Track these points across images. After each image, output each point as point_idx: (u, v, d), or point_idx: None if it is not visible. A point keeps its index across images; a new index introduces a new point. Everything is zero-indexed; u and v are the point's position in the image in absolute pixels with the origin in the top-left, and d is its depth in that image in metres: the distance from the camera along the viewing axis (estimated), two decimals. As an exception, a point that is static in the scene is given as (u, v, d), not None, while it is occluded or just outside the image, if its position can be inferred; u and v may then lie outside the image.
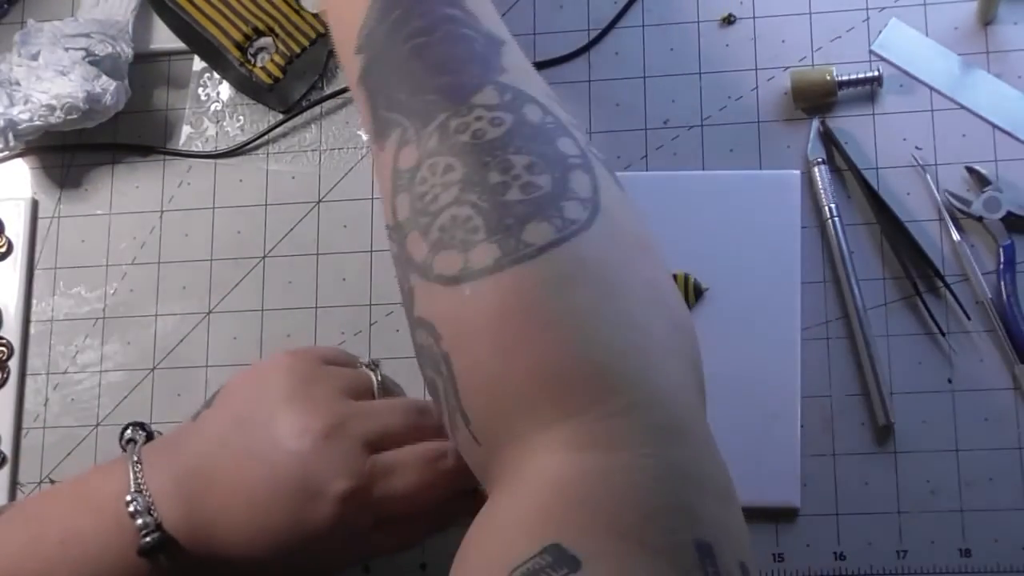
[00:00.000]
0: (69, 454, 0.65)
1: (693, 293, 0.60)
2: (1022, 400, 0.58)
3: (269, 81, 0.66)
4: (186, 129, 0.69)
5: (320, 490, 0.50)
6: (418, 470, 0.52)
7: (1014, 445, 0.58)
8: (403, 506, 0.51)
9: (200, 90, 0.69)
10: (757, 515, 0.58)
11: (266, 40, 0.66)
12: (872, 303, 0.60)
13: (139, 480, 0.51)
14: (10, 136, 0.64)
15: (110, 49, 0.66)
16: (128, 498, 0.50)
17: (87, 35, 0.66)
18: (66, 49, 0.65)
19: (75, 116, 0.64)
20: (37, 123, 0.64)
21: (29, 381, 0.66)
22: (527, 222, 0.39)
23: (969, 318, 0.59)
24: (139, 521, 0.49)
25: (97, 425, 0.65)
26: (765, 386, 0.59)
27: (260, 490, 0.50)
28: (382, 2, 0.45)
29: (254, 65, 0.66)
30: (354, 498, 0.50)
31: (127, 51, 0.67)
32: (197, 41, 0.67)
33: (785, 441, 0.58)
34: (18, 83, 0.65)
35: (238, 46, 0.66)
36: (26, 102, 0.64)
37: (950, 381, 0.59)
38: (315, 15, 0.66)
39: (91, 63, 0.65)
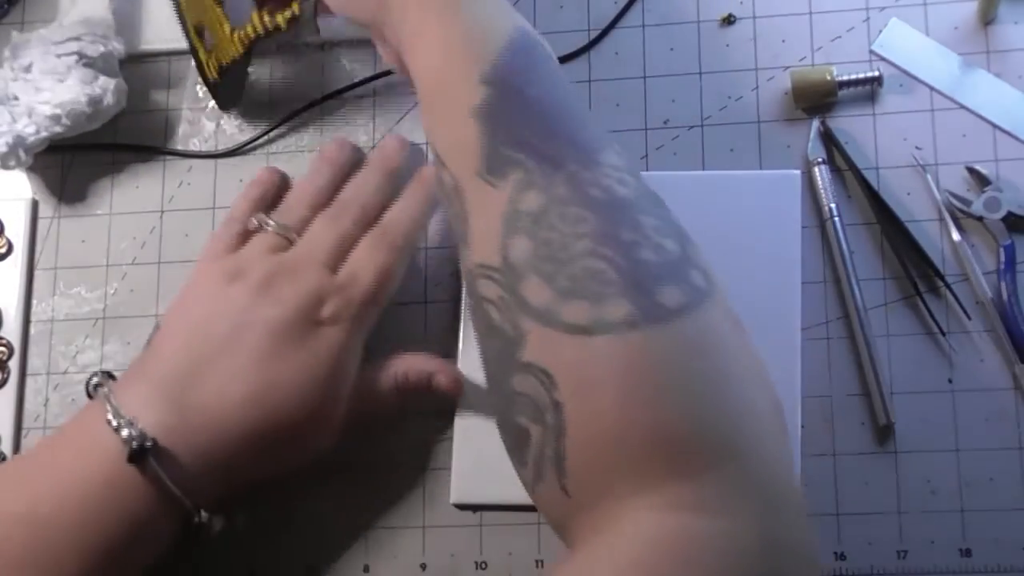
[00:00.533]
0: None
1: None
2: (1023, 400, 0.58)
3: (213, 75, 0.65)
4: (184, 127, 0.69)
5: (313, 315, 0.53)
6: (375, 260, 0.56)
7: (1015, 445, 0.58)
8: (378, 296, 0.56)
9: (198, 88, 0.69)
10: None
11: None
12: (872, 303, 0.60)
13: (115, 404, 0.52)
14: (21, 152, 0.64)
15: (102, 48, 0.66)
16: (108, 417, 0.51)
17: (77, 38, 0.66)
18: (58, 56, 0.65)
19: (80, 121, 0.64)
20: (44, 134, 0.64)
21: (29, 381, 0.66)
22: (661, 284, 0.41)
23: (970, 318, 0.59)
24: (124, 432, 0.50)
25: (97, 425, 0.65)
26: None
27: (254, 351, 0.53)
28: (521, 40, 0.47)
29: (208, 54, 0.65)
30: (341, 315, 0.53)
31: (119, 48, 0.67)
32: None
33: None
34: (16, 97, 0.65)
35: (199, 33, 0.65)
36: (30, 115, 0.64)
37: (950, 381, 0.59)
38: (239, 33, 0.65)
39: (85, 65, 0.65)
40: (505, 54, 0.47)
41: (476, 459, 0.60)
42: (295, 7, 0.63)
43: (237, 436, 0.52)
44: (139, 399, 0.53)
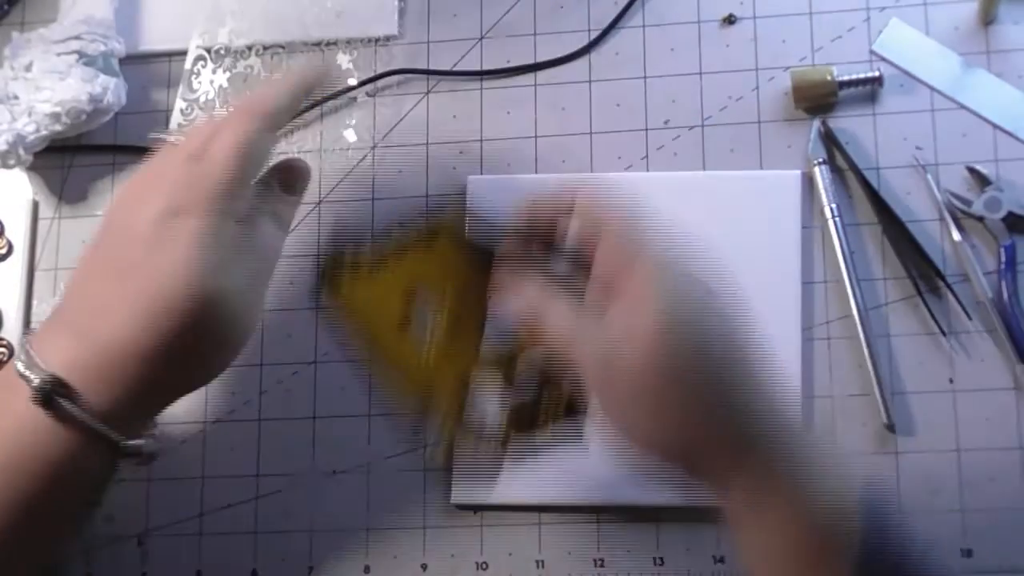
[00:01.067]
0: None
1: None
2: (1023, 400, 0.58)
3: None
4: (176, 117, 0.69)
5: (174, 212, 0.51)
6: (228, 133, 0.53)
7: (1015, 445, 0.58)
8: (235, 171, 0.53)
9: (193, 78, 0.69)
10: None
11: None
12: (873, 303, 0.60)
13: (29, 351, 0.51)
14: (20, 151, 0.64)
15: (103, 47, 0.66)
16: (16, 364, 0.50)
17: (77, 37, 0.65)
18: (58, 54, 0.65)
19: (80, 120, 0.64)
20: (44, 133, 0.64)
21: (30, 382, 0.66)
22: None
23: (970, 318, 0.59)
24: (33, 378, 0.49)
25: (98, 426, 0.65)
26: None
27: (128, 265, 0.51)
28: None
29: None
30: (194, 202, 0.51)
31: (119, 47, 0.67)
32: None
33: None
34: (16, 96, 0.65)
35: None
36: (29, 114, 0.64)
37: (951, 381, 0.59)
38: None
39: (86, 64, 0.65)
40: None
41: (477, 460, 0.60)
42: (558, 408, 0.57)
43: (134, 353, 0.50)
44: (52, 341, 0.51)
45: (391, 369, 0.59)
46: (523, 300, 0.53)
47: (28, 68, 0.65)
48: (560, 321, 0.51)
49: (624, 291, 0.49)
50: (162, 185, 0.53)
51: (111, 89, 0.65)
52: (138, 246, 0.51)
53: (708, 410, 0.47)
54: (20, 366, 0.50)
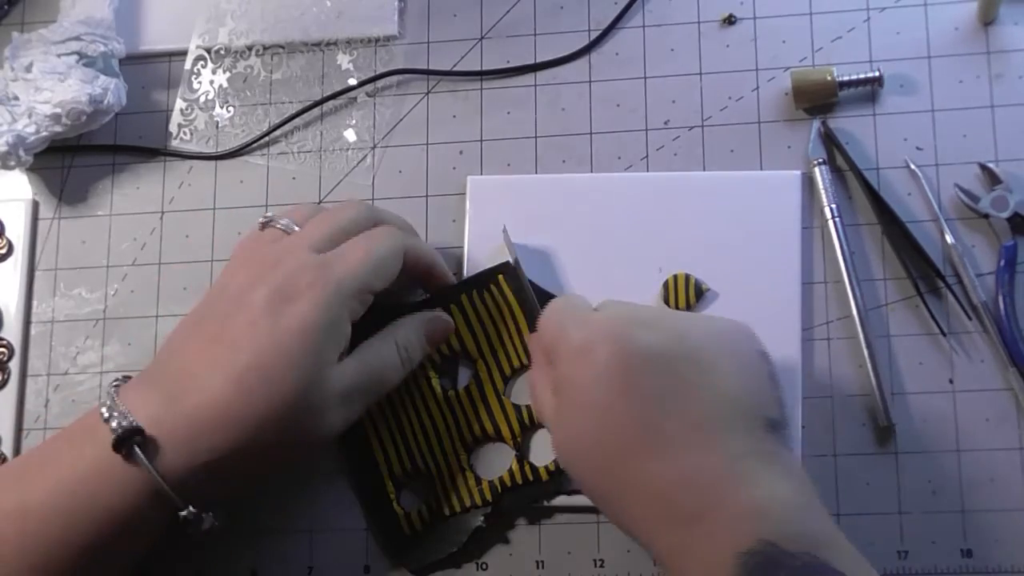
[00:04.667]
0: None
1: (694, 294, 0.60)
2: (1020, 402, 0.58)
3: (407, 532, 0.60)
4: (176, 118, 0.69)
5: (289, 292, 0.53)
6: (363, 242, 0.56)
7: (1015, 445, 0.58)
8: (361, 273, 0.54)
9: (193, 78, 0.69)
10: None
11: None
12: (873, 303, 0.60)
13: (115, 399, 0.52)
14: (21, 152, 0.64)
15: (103, 48, 0.66)
16: (103, 409, 0.52)
17: (77, 38, 0.65)
18: (59, 55, 0.65)
19: (81, 120, 0.64)
20: (44, 134, 0.64)
21: (30, 382, 0.66)
22: None
23: (970, 318, 0.59)
24: (113, 423, 0.51)
25: (98, 426, 0.65)
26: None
27: (234, 336, 0.52)
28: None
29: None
30: (317, 286, 0.53)
31: (119, 47, 0.67)
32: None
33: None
34: (16, 97, 0.65)
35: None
36: (29, 115, 0.64)
37: (951, 381, 0.59)
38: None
39: (86, 65, 0.65)
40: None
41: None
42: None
43: (219, 423, 0.51)
44: (139, 396, 0.53)
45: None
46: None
47: (28, 69, 0.65)
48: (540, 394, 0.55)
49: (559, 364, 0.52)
50: (279, 268, 0.54)
51: (111, 90, 0.65)
52: (243, 320, 0.52)
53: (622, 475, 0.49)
54: (104, 411, 0.51)
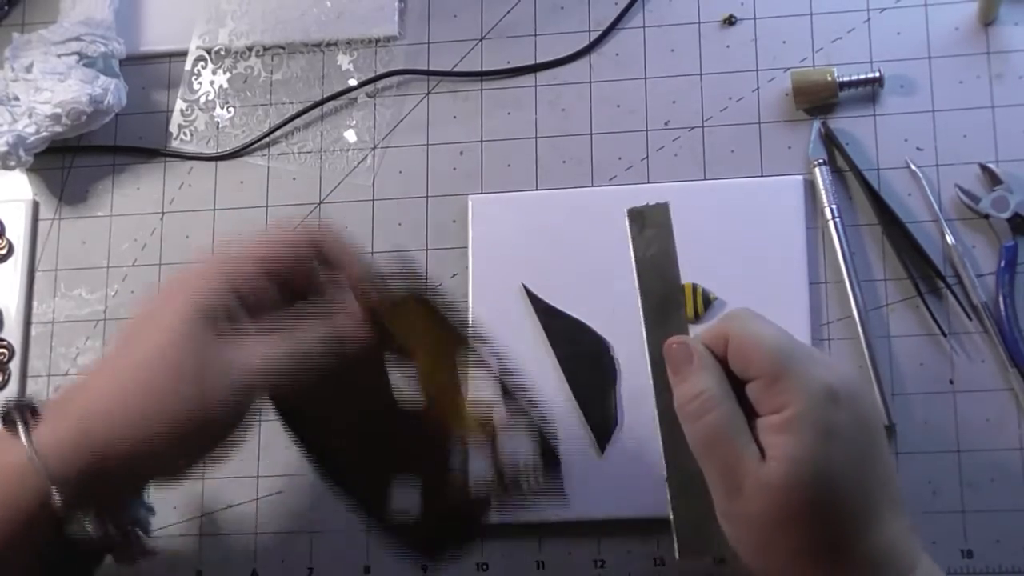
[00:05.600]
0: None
1: (702, 303, 0.60)
2: (1019, 403, 0.58)
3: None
4: (176, 118, 0.69)
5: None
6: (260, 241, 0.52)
7: (1015, 446, 0.58)
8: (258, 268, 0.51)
9: (193, 79, 0.69)
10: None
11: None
12: (874, 304, 0.60)
13: (30, 439, 0.48)
14: (21, 152, 0.64)
15: (103, 48, 0.66)
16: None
17: (77, 38, 0.66)
18: (59, 56, 0.65)
19: (81, 120, 0.64)
20: (44, 134, 0.64)
21: (30, 383, 0.66)
22: None
23: (971, 319, 0.59)
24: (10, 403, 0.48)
25: (98, 427, 0.65)
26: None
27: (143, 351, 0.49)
28: None
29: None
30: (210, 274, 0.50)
31: (119, 48, 0.67)
32: None
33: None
34: (17, 97, 0.65)
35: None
36: (30, 115, 0.64)
37: (952, 382, 0.59)
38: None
39: (86, 65, 0.65)
40: None
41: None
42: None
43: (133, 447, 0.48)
44: (49, 431, 0.48)
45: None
46: (698, 401, 0.48)
47: (28, 69, 0.65)
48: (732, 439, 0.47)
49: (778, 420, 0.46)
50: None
51: (111, 90, 0.65)
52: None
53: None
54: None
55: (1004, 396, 0.58)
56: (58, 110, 0.64)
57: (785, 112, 0.63)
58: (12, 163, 0.65)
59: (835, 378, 0.45)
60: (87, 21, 0.67)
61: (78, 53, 0.65)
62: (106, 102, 0.65)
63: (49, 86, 0.64)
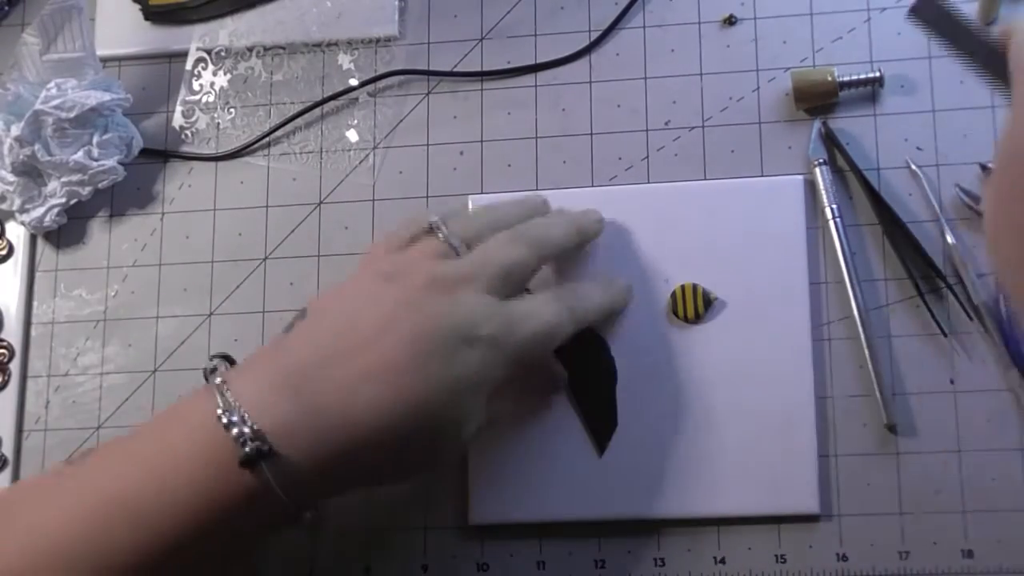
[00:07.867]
0: (70, 456, 0.65)
1: (702, 303, 0.60)
2: (1020, 403, 0.58)
3: None
4: (177, 118, 0.69)
5: (467, 335, 0.50)
6: (550, 312, 0.54)
7: (1017, 446, 0.58)
8: (535, 349, 0.54)
9: (194, 80, 0.69)
10: (762, 516, 0.58)
11: None
12: (874, 304, 0.60)
13: (228, 398, 0.48)
14: (52, 217, 0.67)
15: (118, 110, 0.67)
16: (218, 412, 0.48)
17: (96, 111, 0.66)
18: (76, 130, 0.66)
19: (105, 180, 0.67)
20: (71, 202, 0.67)
21: (30, 383, 0.66)
22: None
23: (971, 319, 0.59)
24: (235, 431, 0.47)
25: (98, 428, 0.65)
26: (778, 394, 0.59)
27: (393, 355, 0.49)
28: None
29: None
30: (496, 344, 0.51)
31: (124, 96, 0.67)
32: None
33: (801, 448, 0.58)
34: (44, 175, 0.67)
35: None
36: (59, 188, 0.66)
37: (952, 382, 0.59)
38: None
39: (103, 133, 0.67)
40: None
41: (492, 478, 0.60)
42: None
43: (356, 444, 0.49)
44: (257, 392, 0.49)
45: None
46: None
47: (49, 151, 0.65)
48: None
49: None
50: (451, 296, 0.51)
51: (134, 138, 0.67)
52: (406, 340, 0.50)
53: None
54: (222, 415, 0.48)
55: (1004, 396, 0.58)
56: (84, 178, 0.66)
57: (785, 112, 0.63)
58: (45, 225, 0.67)
59: None
60: (93, 83, 0.66)
61: (94, 126, 0.66)
62: (130, 155, 0.67)
63: (74, 159, 0.66)
